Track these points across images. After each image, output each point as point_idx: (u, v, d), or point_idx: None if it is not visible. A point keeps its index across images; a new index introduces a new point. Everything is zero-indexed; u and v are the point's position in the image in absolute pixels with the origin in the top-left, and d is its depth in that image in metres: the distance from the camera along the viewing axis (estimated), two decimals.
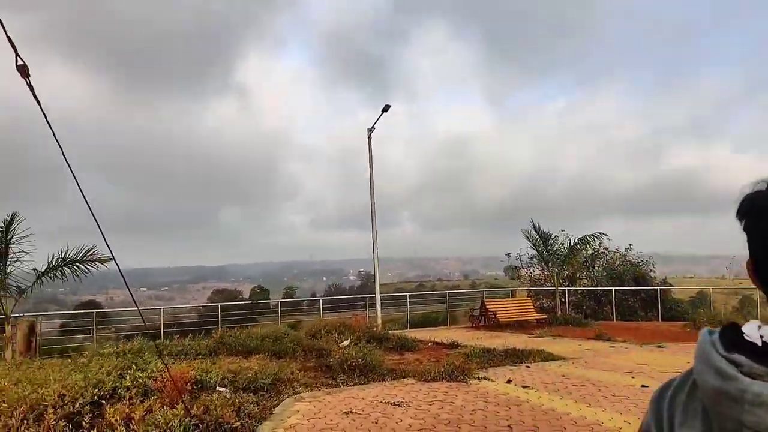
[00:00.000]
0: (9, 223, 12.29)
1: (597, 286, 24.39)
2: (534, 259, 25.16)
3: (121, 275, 6.07)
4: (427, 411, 6.95)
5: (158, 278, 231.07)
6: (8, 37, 4.48)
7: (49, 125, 5.07)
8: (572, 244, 21.05)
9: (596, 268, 26.45)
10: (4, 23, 4.42)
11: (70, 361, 9.87)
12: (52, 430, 5.87)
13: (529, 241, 21.23)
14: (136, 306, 6.65)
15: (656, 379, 8.71)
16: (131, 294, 5.93)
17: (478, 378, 8.97)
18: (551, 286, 22.12)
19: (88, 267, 12.73)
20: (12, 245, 12.33)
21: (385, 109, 18.42)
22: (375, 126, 19.33)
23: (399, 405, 7.27)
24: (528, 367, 10.15)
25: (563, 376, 9.19)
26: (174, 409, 6.27)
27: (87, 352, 11.34)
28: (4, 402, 6.30)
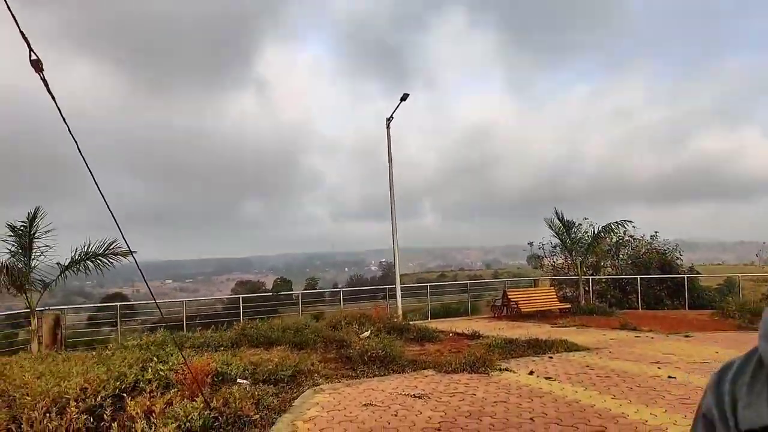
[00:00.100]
0: (32, 217, 12.43)
1: (622, 275, 24.01)
2: (557, 248, 24.87)
3: (138, 268, 6.07)
4: (447, 403, 6.86)
5: (184, 270, 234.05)
6: (21, 33, 4.46)
7: (64, 120, 5.05)
8: (596, 232, 20.70)
9: (621, 256, 26.05)
10: (17, 19, 4.43)
11: (93, 353, 9.97)
12: (74, 423, 5.90)
13: (552, 229, 20.93)
14: (153, 299, 6.64)
15: (683, 370, 8.52)
16: (148, 286, 5.92)
17: (500, 369, 8.85)
18: (575, 275, 21.81)
19: (111, 260, 12.83)
20: (36, 240, 12.48)
21: (404, 97, 18.24)
22: (393, 115, 19.18)
23: (419, 397, 7.19)
24: (551, 357, 9.99)
25: (587, 366, 9.03)
26: (194, 402, 6.26)
27: (111, 345, 11.46)
28: (27, 395, 6.35)
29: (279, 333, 11.99)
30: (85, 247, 12.75)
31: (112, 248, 12.69)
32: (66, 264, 12.74)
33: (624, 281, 23.38)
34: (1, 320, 16.23)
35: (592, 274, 23.50)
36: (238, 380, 8.02)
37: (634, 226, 22.88)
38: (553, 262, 26.93)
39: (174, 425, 5.62)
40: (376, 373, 9.01)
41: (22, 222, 12.41)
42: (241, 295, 20.15)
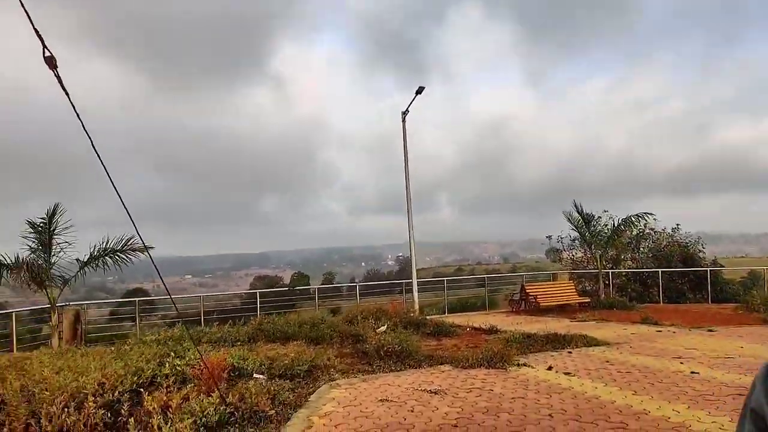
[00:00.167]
0: (52, 214, 12.56)
1: (642, 268, 23.71)
2: (576, 241, 24.63)
3: (153, 264, 6.06)
4: (464, 399, 6.78)
5: (202, 266, 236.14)
6: (35, 29, 4.44)
7: (78, 116, 5.04)
8: (616, 225, 20.42)
9: (641, 249, 25.73)
10: (31, 16, 4.41)
11: (112, 349, 10.03)
12: (92, 418, 5.91)
13: (571, 222, 20.69)
14: (168, 294, 6.64)
15: (707, 365, 8.35)
16: (162, 281, 5.91)
17: (518, 364, 8.74)
18: (594, 269, 21.57)
19: (129, 256, 12.93)
20: (55, 236, 12.61)
21: (419, 90, 18.09)
22: (409, 108, 19.04)
23: (435, 393, 7.11)
24: (570, 352, 9.86)
25: (607, 362, 8.88)
26: (210, 397, 6.25)
27: (129, 340, 11.54)
28: (46, 390, 6.39)
29: (295, 328, 11.99)
30: (104, 244, 12.88)
31: (130, 244, 12.79)
32: (85, 260, 12.87)
33: (645, 275, 23.09)
34: (25, 315, 16.47)
35: (611, 268, 23.22)
36: (255, 375, 8.01)
37: (655, 219, 22.56)
38: (572, 255, 26.68)
39: (190, 420, 5.61)
40: (392, 368, 8.95)
41: (41, 219, 12.56)
42: (258, 290, 20.19)
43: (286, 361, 8.57)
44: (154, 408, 6.06)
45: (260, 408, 6.24)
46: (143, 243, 5.69)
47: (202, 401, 6.09)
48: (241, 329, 12.37)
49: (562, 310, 17.52)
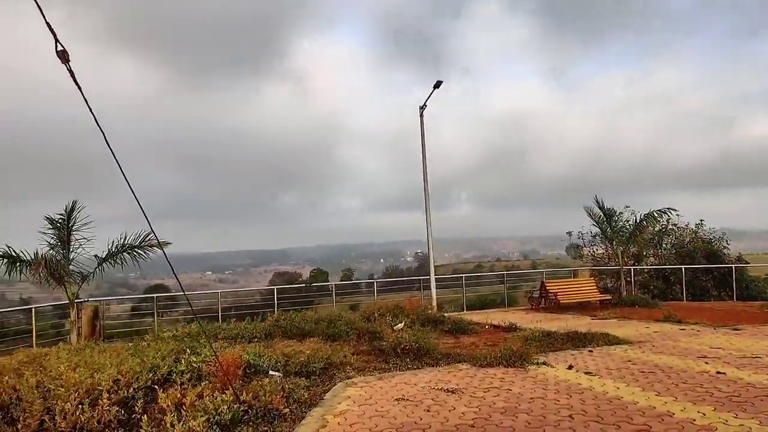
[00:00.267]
0: (70, 211, 12.66)
1: (665, 265, 23.31)
2: (597, 237, 24.29)
3: (167, 260, 6.02)
4: (482, 399, 6.64)
5: (223, 262, 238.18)
6: (47, 23, 4.39)
7: (90, 110, 4.99)
8: (638, 221, 20.06)
9: (664, 245, 25.32)
10: (43, 9, 4.36)
11: (130, 345, 10.05)
12: (106, 415, 5.90)
13: (592, 218, 20.38)
14: (182, 290, 6.60)
15: (733, 365, 8.11)
16: (176, 277, 5.86)
17: (537, 363, 8.57)
18: (616, 265, 21.24)
19: (147, 252, 12.98)
20: (74, 232, 12.71)
21: (437, 85, 17.93)
22: (427, 103, 18.90)
23: (452, 392, 6.98)
24: (591, 351, 9.66)
25: (629, 361, 8.68)
26: (224, 395, 6.20)
27: (147, 336, 11.58)
28: (61, 386, 6.39)
29: (312, 325, 11.93)
30: (122, 240, 12.94)
31: (148, 240, 12.83)
32: (103, 256, 12.95)
33: (667, 271, 22.69)
34: (48, 311, 16.65)
35: (633, 264, 22.89)
36: (270, 372, 7.96)
37: (678, 214, 22.13)
38: (593, 252, 26.35)
39: (203, 418, 5.55)
40: (409, 366, 8.83)
41: (60, 215, 12.65)
42: (275, 287, 20.21)
43: (302, 359, 8.50)
44: (168, 405, 6.03)
45: (274, 406, 6.17)
46: (157, 239, 5.64)
47: (216, 399, 6.03)
48: (258, 326, 12.36)
49: (583, 308, 17.26)
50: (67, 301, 12.68)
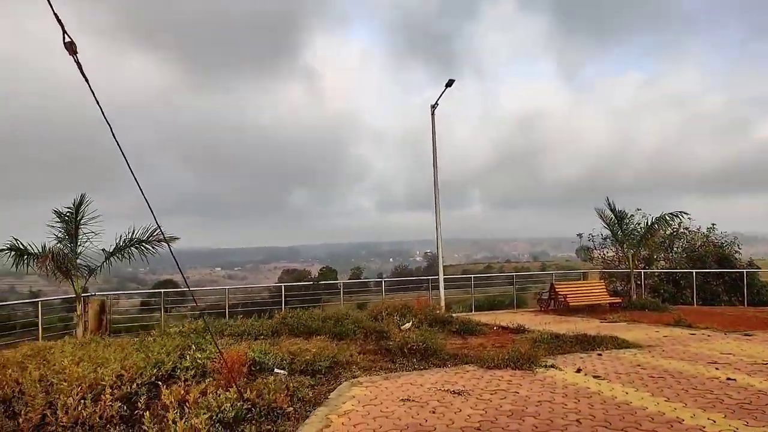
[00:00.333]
0: (78, 204, 12.68)
1: (676, 269, 23.08)
2: (608, 240, 24.10)
3: (172, 255, 5.97)
4: (488, 401, 6.55)
5: (233, 258, 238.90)
6: (55, 14, 4.34)
7: (98, 102, 4.94)
8: (650, 224, 19.85)
9: (675, 249, 25.08)
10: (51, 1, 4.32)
11: (135, 340, 10.02)
12: (108, 410, 5.85)
13: (603, 220, 20.20)
14: (187, 286, 6.55)
15: (744, 372, 7.97)
16: (181, 272, 5.81)
17: (545, 366, 8.46)
18: (626, 268, 21.05)
19: (155, 247, 12.96)
20: (82, 226, 12.73)
21: (449, 83, 17.81)
22: (438, 102, 18.79)
23: (459, 393, 6.90)
24: (600, 355, 9.53)
25: (638, 365, 8.55)
26: (228, 392, 6.14)
27: (153, 331, 11.56)
28: (65, 381, 6.35)
29: (319, 323, 11.88)
30: (130, 234, 12.94)
31: (155, 235, 12.82)
32: (110, 250, 12.96)
33: (678, 275, 22.47)
34: (57, 304, 16.70)
35: (644, 268, 22.67)
36: (275, 370, 7.91)
37: (689, 218, 21.89)
38: (603, 254, 26.15)
39: (206, 416, 5.49)
40: (416, 366, 8.76)
41: (68, 209, 12.67)
42: (283, 284, 20.19)
43: (308, 357, 8.45)
44: (171, 402, 5.98)
45: (278, 405, 6.11)
46: (163, 234, 5.59)
47: (220, 396, 5.98)
48: (265, 323, 12.32)
49: (592, 311, 17.11)
50: (74, 295, 12.70)
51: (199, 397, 6.09)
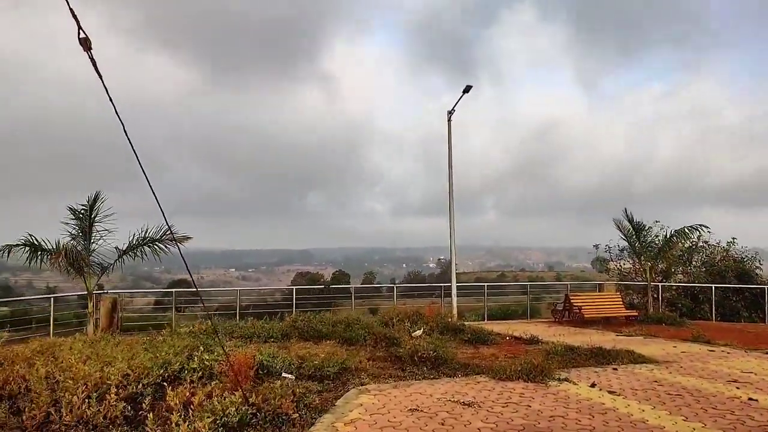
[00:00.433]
0: (93, 202, 12.69)
1: (694, 282, 22.66)
2: (625, 252, 23.78)
3: (181, 256, 5.89)
4: (499, 414, 6.38)
5: (247, 260, 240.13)
6: (71, 9, 4.28)
7: (110, 99, 4.88)
8: (668, 236, 19.49)
9: (694, 262, 24.65)
10: None
11: (146, 339, 9.95)
12: (112, 410, 5.77)
13: (621, 231, 19.86)
14: (195, 287, 6.48)
15: (765, 392, 7.71)
16: (189, 273, 5.72)
17: (559, 379, 8.25)
18: (643, 281, 20.71)
19: (167, 246, 12.93)
20: (96, 224, 12.73)
21: (466, 89, 17.67)
22: (455, 108, 18.67)
23: (469, 405, 6.73)
24: (615, 369, 9.30)
25: (655, 382, 8.31)
26: (233, 396, 6.04)
27: (164, 331, 11.52)
28: (71, 379, 6.29)
29: (329, 327, 11.77)
30: (143, 233, 12.93)
31: (168, 235, 12.78)
32: (124, 249, 12.95)
33: (696, 289, 22.06)
34: (73, 300, 16.78)
35: (661, 281, 22.29)
36: (283, 374, 7.80)
37: (709, 231, 21.46)
38: (620, 266, 25.81)
39: (210, 419, 5.38)
40: (426, 375, 8.59)
41: (83, 206, 12.69)
42: (294, 287, 20.11)
43: (317, 362, 8.33)
44: (175, 404, 5.89)
45: (284, 410, 5.98)
46: (172, 234, 5.51)
47: (225, 400, 5.88)
48: (275, 325, 12.24)
49: (608, 323, 16.81)
50: (97, 292, 12.71)
51: (204, 400, 5.99)
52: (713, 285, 20.59)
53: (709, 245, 24.41)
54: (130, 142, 5.15)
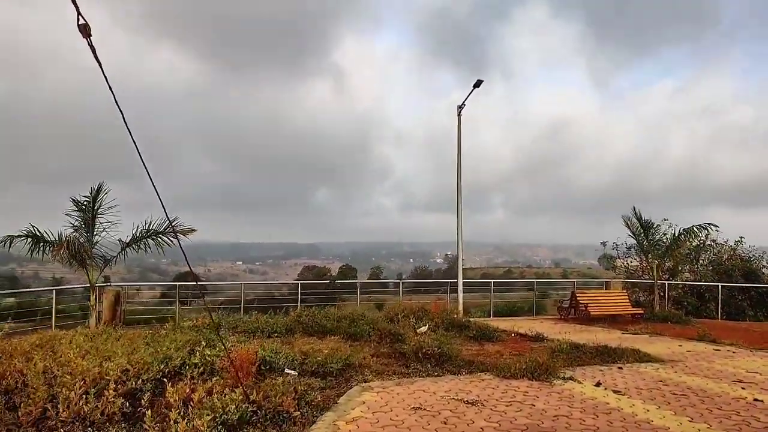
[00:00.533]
0: (96, 193, 12.65)
1: (701, 281, 22.48)
2: (632, 249, 23.63)
3: (181, 249, 5.84)
4: (503, 413, 6.30)
5: (254, 253, 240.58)
6: None
7: (110, 88, 4.81)
8: (676, 235, 19.32)
9: (701, 261, 24.46)
10: None
11: (147, 333, 9.91)
12: (110, 406, 5.72)
13: (630, 229, 19.70)
14: (195, 281, 6.43)
15: None
16: (189, 266, 5.67)
17: (564, 378, 8.17)
18: (649, 279, 20.55)
19: (171, 238, 12.87)
20: (99, 215, 12.71)
21: (477, 84, 17.50)
22: (465, 103, 18.51)
23: (473, 404, 6.66)
24: (620, 368, 9.20)
25: (661, 381, 8.21)
26: (234, 393, 5.98)
27: (167, 325, 11.49)
28: (69, 374, 6.23)
29: (334, 322, 11.74)
30: (147, 225, 12.89)
31: (174, 226, 12.72)
32: (127, 241, 12.92)
33: (702, 288, 21.89)
34: (79, 292, 16.80)
35: (668, 279, 22.12)
36: (286, 370, 7.75)
37: (717, 230, 21.24)
38: (627, 263, 25.66)
39: (209, 417, 5.33)
40: (430, 372, 8.54)
41: (85, 197, 12.65)
42: (299, 282, 20.09)
43: (320, 358, 8.28)
44: (175, 400, 5.84)
45: (285, 408, 5.93)
46: (173, 227, 5.46)
47: (225, 397, 5.82)
48: (280, 320, 12.21)
49: (613, 321, 16.69)
50: (102, 284, 12.70)
51: (204, 397, 5.94)
52: (720, 284, 20.41)
53: (716, 244, 24.23)
54: (129, 131, 5.08)
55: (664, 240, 19.69)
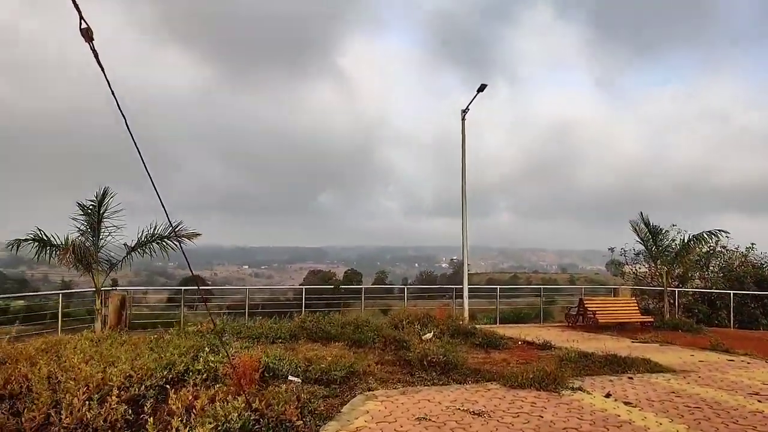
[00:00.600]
0: (101, 197, 12.62)
1: (712, 288, 22.22)
2: (641, 255, 23.39)
3: (183, 254, 5.74)
4: (509, 425, 6.16)
5: (260, 257, 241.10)
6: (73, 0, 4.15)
7: (113, 92, 4.73)
8: (686, 241, 19.10)
9: (711, 268, 24.18)
10: None
11: (152, 338, 9.82)
12: (113, 413, 5.63)
13: (638, 234, 19.49)
14: (197, 285, 6.32)
15: None
16: (191, 270, 5.58)
17: (572, 388, 8.00)
18: (659, 286, 20.32)
19: (176, 242, 12.81)
20: (105, 219, 12.67)
21: (481, 88, 17.42)
22: (470, 107, 18.44)
23: (479, 414, 6.52)
24: (631, 378, 9.03)
25: (673, 392, 8.04)
26: (236, 400, 5.87)
27: (171, 330, 11.41)
28: (72, 379, 6.16)
29: (338, 328, 11.63)
30: (152, 230, 12.84)
31: (177, 231, 12.66)
32: (132, 245, 12.87)
33: (713, 295, 21.63)
34: (88, 295, 16.77)
35: (677, 286, 21.88)
36: (289, 377, 7.64)
37: (728, 236, 20.98)
38: (635, 270, 25.42)
39: (211, 425, 5.22)
40: (435, 380, 8.39)
41: (91, 201, 12.62)
42: (304, 287, 19.98)
43: (324, 365, 8.17)
44: (177, 408, 5.74)
45: (287, 417, 5.81)
46: (175, 231, 5.37)
47: (227, 405, 5.71)
48: (284, 325, 12.11)
49: (622, 329, 16.49)
50: (109, 288, 12.67)
51: (207, 404, 5.83)
52: (731, 291, 20.15)
53: (727, 250, 23.95)
54: (131, 135, 5.00)
55: (673, 246, 19.49)
